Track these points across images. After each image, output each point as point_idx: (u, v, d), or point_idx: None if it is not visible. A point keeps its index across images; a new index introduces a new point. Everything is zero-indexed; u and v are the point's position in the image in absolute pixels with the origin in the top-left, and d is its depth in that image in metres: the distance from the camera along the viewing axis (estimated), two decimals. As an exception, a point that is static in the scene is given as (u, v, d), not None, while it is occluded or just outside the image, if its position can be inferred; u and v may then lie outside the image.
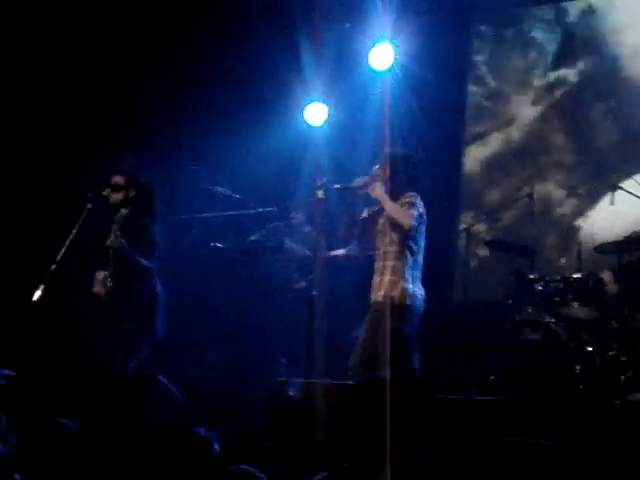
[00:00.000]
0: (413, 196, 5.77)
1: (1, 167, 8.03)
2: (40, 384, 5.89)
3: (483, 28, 8.86)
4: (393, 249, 5.67)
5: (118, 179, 6.17)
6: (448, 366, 7.24)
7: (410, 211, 5.67)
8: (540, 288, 6.58)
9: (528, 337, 6.31)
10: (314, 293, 6.49)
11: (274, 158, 7.50)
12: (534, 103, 8.55)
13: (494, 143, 8.68)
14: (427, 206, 7.42)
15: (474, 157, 8.75)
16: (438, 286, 7.92)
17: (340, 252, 7.19)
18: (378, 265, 5.74)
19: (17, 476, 2.49)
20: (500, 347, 6.37)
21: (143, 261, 6.01)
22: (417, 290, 5.70)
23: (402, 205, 5.70)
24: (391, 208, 5.67)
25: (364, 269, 6.86)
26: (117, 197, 6.13)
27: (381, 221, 5.78)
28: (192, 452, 3.37)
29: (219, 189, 6.80)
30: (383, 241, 5.73)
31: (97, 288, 6.12)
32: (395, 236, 5.67)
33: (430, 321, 7.45)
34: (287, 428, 5.60)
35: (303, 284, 7.21)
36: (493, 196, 8.38)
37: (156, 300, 6.09)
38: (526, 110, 8.56)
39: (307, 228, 7.48)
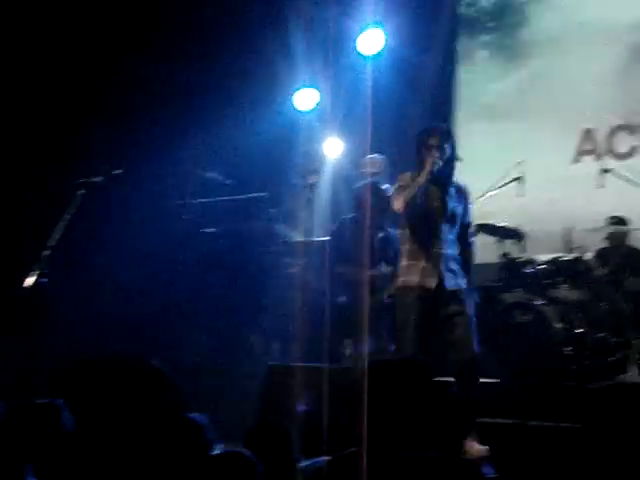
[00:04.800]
0: None
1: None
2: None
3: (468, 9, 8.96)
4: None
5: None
6: (438, 349, 7.26)
7: None
8: (530, 270, 6.62)
9: (518, 320, 6.35)
10: (305, 277, 6.52)
11: (265, 143, 7.50)
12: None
13: (483, 127, 8.73)
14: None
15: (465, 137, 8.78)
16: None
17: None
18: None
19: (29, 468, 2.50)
20: (490, 330, 6.40)
21: None
22: None
23: None
24: None
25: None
26: None
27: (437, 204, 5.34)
28: (187, 439, 3.37)
29: (210, 175, 6.80)
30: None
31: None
32: None
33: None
34: (280, 412, 5.62)
35: (294, 268, 7.23)
36: (482, 180, 8.40)
37: None
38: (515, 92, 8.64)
39: (302, 213, 7.49)
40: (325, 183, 7.03)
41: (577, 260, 6.66)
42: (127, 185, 6.63)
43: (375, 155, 7.03)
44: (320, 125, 7.69)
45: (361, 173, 7.11)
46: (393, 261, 6.10)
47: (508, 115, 8.51)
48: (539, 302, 6.36)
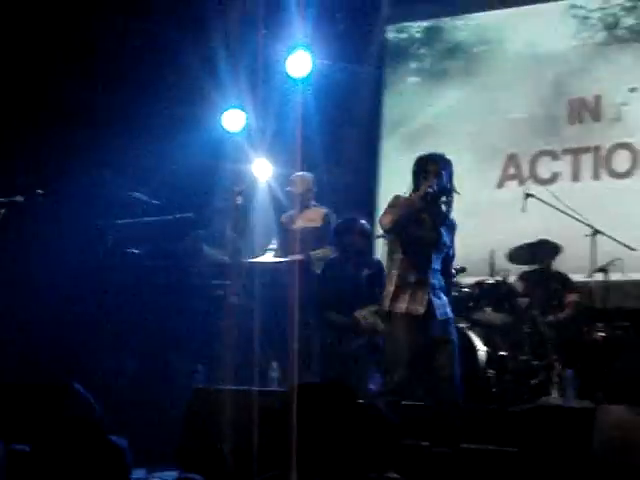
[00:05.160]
0: None
1: None
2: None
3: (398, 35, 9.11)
4: None
5: None
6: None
7: None
8: (454, 294, 6.68)
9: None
10: (231, 299, 6.49)
11: (193, 164, 7.47)
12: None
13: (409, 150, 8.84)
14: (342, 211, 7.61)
15: (392, 161, 8.93)
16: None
17: (263, 258, 7.17)
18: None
19: None
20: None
21: None
22: None
23: None
24: None
25: (288, 275, 6.88)
26: None
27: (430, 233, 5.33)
28: (106, 462, 3.30)
29: (137, 195, 6.74)
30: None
31: None
32: None
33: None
34: (204, 435, 5.58)
35: (221, 290, 7.19)
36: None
37: None
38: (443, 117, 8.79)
39: (231, 234, 7.47)
40: (254, 204, 7.03)
41: (501, 283, 6.76)
42: (51, 205, 6.52)
43: (304, 173, 7.07)
44: (249, 146, 7.69)
45: (289, 191, 7.13)
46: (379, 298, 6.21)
47: (435, 140, 8.62)
48: (463, 325, 6.43)
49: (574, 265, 7.22)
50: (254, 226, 7.19)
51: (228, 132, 7.80)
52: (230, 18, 7.51)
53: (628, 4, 8.22)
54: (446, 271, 5.39)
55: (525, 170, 8.37)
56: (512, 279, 7.04)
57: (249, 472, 3.37)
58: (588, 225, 6.94)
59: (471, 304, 6.67)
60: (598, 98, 8.21)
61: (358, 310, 6.38)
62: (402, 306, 5.18)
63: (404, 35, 9.14)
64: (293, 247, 6.90)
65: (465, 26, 8.91)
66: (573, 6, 8.41)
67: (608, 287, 6.92)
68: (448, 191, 5.30)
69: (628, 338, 6.87)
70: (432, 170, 5.21)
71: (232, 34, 7.53)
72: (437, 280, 5.26)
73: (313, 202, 7.13)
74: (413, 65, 9.11)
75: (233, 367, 6.17)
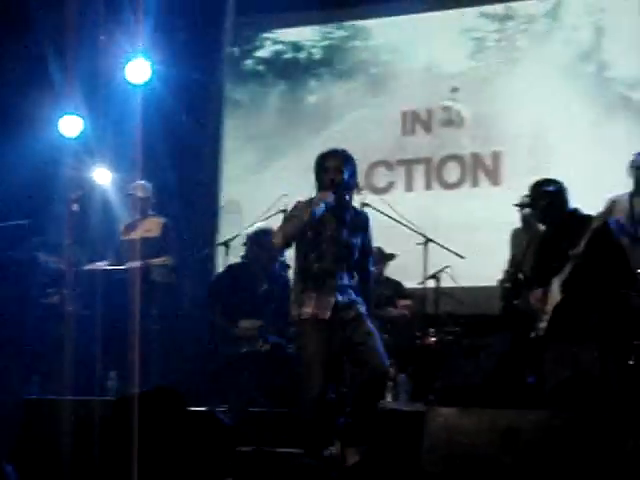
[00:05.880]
0: None
1: None
2: None
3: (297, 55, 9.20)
4: None
5: None
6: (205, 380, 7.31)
7: None
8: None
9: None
10: (68, 308, 6.39)
11: (28, 170, 7.31)
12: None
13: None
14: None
15: (234, 170, 9.00)
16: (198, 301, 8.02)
17: (98, 266, 7.09)
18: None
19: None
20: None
21: None
22: None
23: None
24: None
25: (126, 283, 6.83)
26: None
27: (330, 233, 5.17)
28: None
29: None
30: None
31: None
32: None
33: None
34: (39, 445, 5.47)
35: (57, 298, 7.06)
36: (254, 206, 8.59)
37: None
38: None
39: (67, 241, 7.35)
40: (91, 211, 6.94)
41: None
42: None
43: (144, 182, 7.07)
44: (87, 152, 7.59)
45: (132, 195, 7.09)
46: (272, 314, 6.30)
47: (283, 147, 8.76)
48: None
49: (408, 272, 7.46)
50: (91, 233, 7.10)
51: (65, 138, 7.67)
52: (67, 22, 7.37)
53: (522, 27, 8.41)
54: (362, 268, 5.26)
55: (361, 179, 8.55)
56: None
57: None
58: (420, 234, 7.18)
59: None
60: (429, 111, 8.53)
61: (243, 321, 6.41)
62: (308, 310, 5.03)
63: (303, 54, 9.16)
64: (131, 257, 6.86)
65: (364, 47, 8.98)
66: (469, 29, 8.56)
67: (439, 293, 7.20)
68: (350, 188, 5.20)
69: (458, 343, 7.18)
70: (332, 166, 5.11)
71: (69, 39, 7.39)
72: (347, 280, 5.14)
73: (151, 212, 7.12)
74: (312, 83, 9.15)
75: (69, 377, 6.06)
